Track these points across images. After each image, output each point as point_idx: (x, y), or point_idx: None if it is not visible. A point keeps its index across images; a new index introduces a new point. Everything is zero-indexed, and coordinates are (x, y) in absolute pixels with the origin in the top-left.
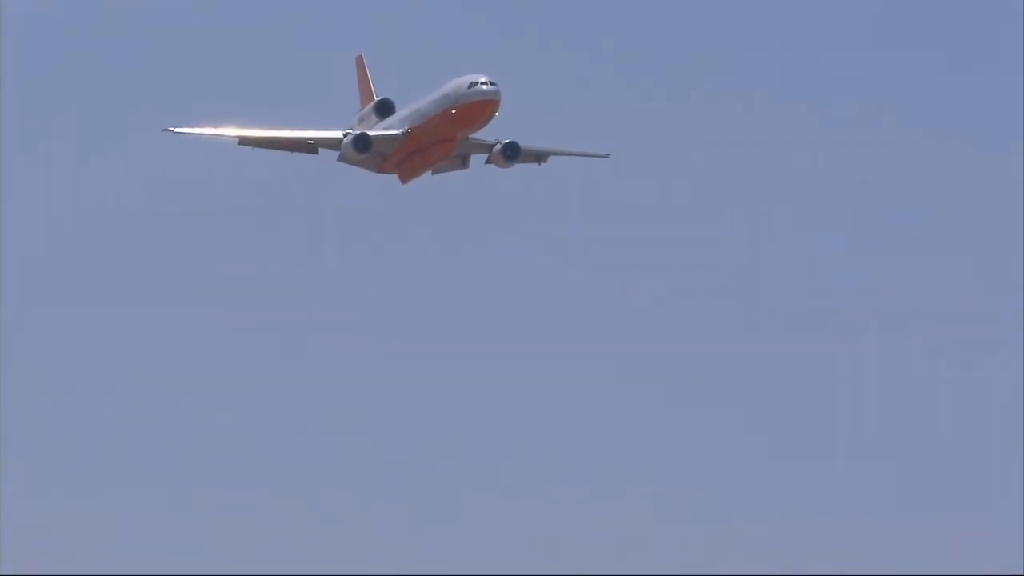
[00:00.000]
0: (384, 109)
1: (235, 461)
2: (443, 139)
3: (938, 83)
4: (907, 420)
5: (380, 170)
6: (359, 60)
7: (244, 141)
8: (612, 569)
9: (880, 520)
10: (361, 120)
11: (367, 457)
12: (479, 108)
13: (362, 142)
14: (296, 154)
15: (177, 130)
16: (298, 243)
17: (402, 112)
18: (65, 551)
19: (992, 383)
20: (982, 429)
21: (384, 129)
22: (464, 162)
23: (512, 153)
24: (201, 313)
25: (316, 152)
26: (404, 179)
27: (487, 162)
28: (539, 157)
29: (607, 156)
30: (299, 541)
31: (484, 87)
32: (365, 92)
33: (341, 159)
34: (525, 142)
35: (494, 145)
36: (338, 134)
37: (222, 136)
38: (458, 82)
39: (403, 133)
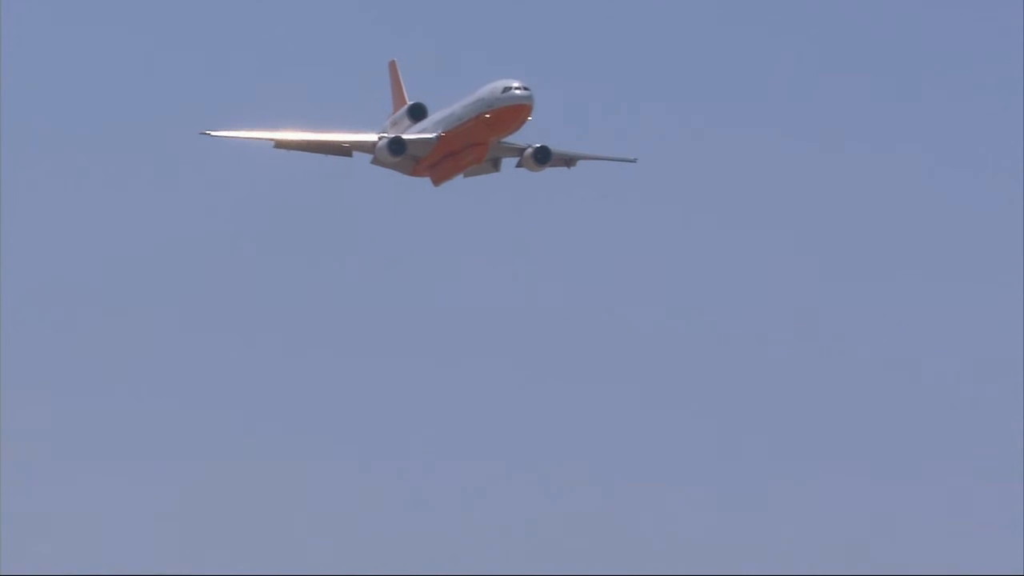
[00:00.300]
0: (417, 113)
1: (258, 461)
2: (476, 143)
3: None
4: (908, 422)
5: (413, 173)
6: (392, 65)
7: (280, 144)
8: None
9: (880, 520)
10: (394, 123)
11: (402, 454)
12: (513, 112)
13: (397, 145)
14: (331, 157)
15: (214, 133)
16: (332, 244)
17: (435, 116)
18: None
19: (990, 386)
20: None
21: (418, 133)
22: (495, 165)
23: (543, 157)
24: (236, 312)
25: (351, 155)
26: (437, 182)
27: (518, 165)
28: (568, 161)
29: (634, 161)
30: (301, 543)
31: (518, 91)
32: (397, 96)
33: (375, 162)
34: (555, 146)
35: (525, 149)
36: (373, 137)
37: (258, 139)
38: (492, 87)
39: (437, 137)
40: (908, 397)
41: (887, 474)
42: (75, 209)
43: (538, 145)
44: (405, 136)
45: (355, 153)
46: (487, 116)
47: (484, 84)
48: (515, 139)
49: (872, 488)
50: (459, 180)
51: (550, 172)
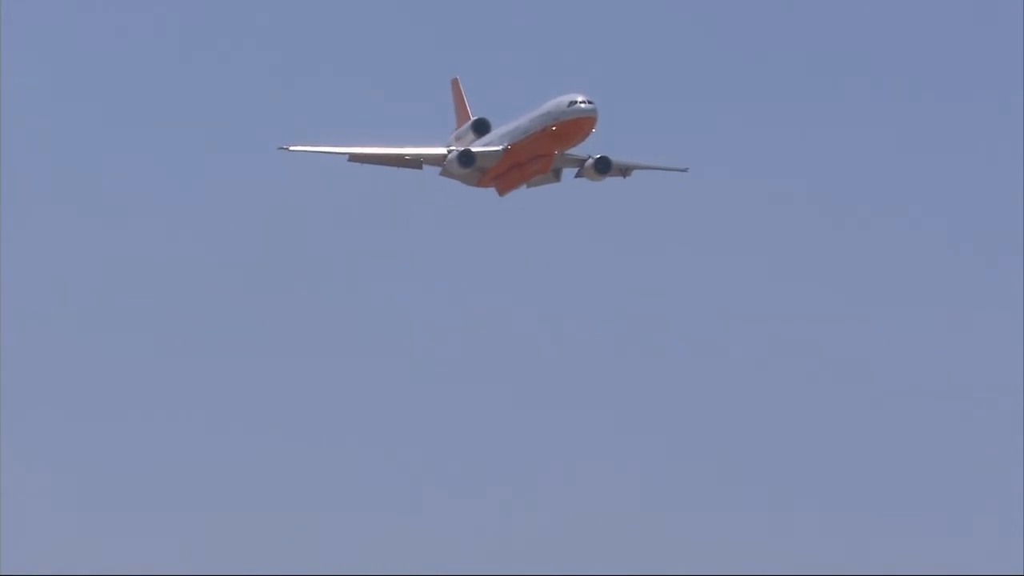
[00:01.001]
0: (481, 127)
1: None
2: (542, 154)
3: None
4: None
5: (479, 184)
6: (455, 83)
7: (354, 158)
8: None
9: (881, 520)
10: (458, 138)
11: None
12: (578, 125)
13: (466, 157)
14: (402, 169)
15: (292, 148)
16: (404, 251)
17: (500, 130)
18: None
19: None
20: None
21: (484, 145)
22: (557, 176)
23: (604, 167)
24: (320, 318)
25: (420, 167)
26: (502, 192)
27: (577, 176)
28: (624, 171)
29: (686, 170)
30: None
31: (583, 105)
32: (461, 112)
33: (444, 173)
34: (613, 156)
35: (586, 160)
36: (443, 151)
37: (334, 153)
38: (558, 101)
39: (503, 149)
40: (905, 402)
41: (886, 474)
42: (153, 219)
43: (598, 156)
44: (474, 149)
45: (425, 166)
46: (553, 128)
47: (545, 99)
48: (576, 151)
49: (871, 487)
50: (522, 190)
51: (607, 181)
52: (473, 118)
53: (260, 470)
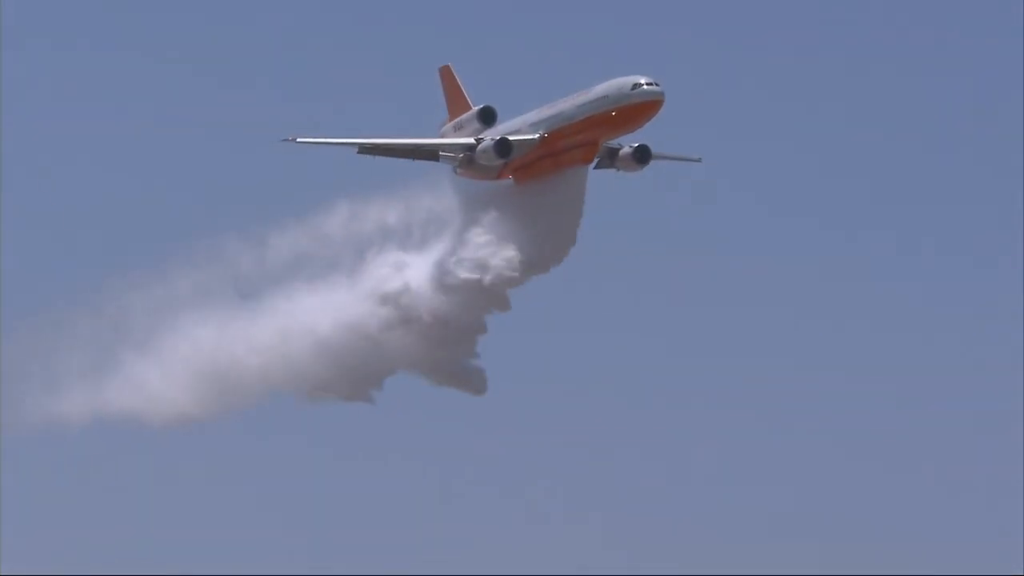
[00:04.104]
0: (488, 116)
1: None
2: (587, 143)
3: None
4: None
5: (498, 176)
6: (445, 71)
7: (364, 149)
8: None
9: (881, 520)
10: (458, 128)
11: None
12: (644, 109)
13: (503, 146)
14: (416, 162)
15: (300, 139)
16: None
17: (529, 117)
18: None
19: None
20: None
21: (508, 133)
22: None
23: (643, 156)
24: None
25: (437, 159)
26: (520, 182)
27: (598, 167)
28: None
29: (699, 160)
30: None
31: (649, 87)
32: (455, 101)
33: (462, 164)
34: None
35: (619, 150)
36: (470, 140)
37: (343, 144)
38: (618, 83)
39: (539, 137)
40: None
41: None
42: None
43: (637, 144)
44: (511, 137)
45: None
46: (614, 113)
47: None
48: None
49: (871, 488)
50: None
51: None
52: (479, 106)
53: (259, 471)
